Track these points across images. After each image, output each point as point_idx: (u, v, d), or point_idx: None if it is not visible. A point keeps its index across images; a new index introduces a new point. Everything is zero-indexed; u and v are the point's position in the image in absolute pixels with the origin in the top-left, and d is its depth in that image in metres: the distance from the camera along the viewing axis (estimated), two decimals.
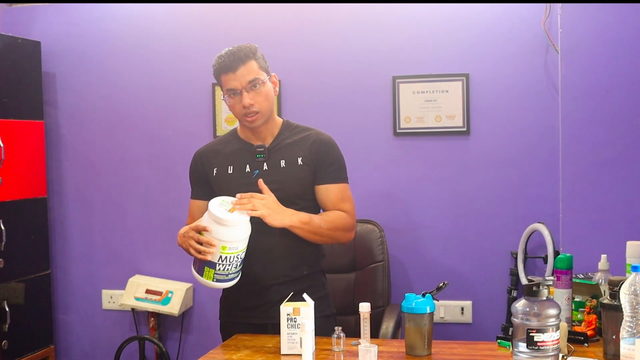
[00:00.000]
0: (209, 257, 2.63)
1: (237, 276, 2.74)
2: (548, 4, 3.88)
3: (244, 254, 2.69)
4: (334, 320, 2.96)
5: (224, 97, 2.88)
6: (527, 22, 3.95)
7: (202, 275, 2.68)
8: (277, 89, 2.94)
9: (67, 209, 4.63)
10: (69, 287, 4.66)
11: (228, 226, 2.61)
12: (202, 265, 2.66)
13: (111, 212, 4.58)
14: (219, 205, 2.67)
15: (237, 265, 2.68)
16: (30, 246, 4.37)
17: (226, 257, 2.63)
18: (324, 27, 4.22)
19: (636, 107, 3.42)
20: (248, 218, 2.66)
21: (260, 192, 2.82)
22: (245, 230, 2.66)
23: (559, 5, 3.55)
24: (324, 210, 2.98)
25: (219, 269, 2.64)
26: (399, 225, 4.15)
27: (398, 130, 4.14)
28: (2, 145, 4.09)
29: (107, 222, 4.59)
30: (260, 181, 2.76)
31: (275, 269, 2.83)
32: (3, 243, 4.09)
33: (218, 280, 2.68)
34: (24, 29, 4.51)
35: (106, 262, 4.61)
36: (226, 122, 4.32)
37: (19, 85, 4.28)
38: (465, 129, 4.06)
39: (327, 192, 2.90)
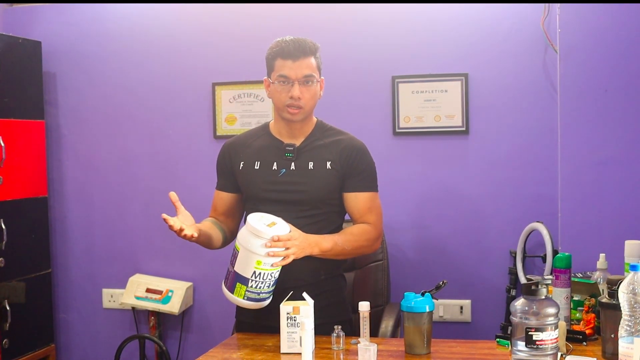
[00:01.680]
0: (240, 272, 2.59)
1: (269, 297, 2.69)
2: (547, 4, 3.89)
3: (278, 273, 2.64)
4: (349, 325, 2.90)
5: (271, 81, 2.82)
6: (525, 22, 3.96)
7: (232, 292, 2.62)
8: (322, 93, 2.90)
9: (67, 208, 4.65)
10: (69, 286, 4.68)
11: (266, 239, 2.57)
12: (234, 281, 2.61)
13: (111, 211, 4.59)
14: (259, 219, 2.64)
15: (269, 284, 2.63)
16: (31, 245, 4.38)
17: (260, 274, 2.58)
18: (323, 27, 4.22)
19: (634, 107, 3.42)
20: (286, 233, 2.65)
21: (286, 191, 2.82)
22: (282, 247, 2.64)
23: (557, 5, 3.56)
24: (350, 217, 2.95)
25: (251, 286, 2.59)
26: (398, 224, 4.16)
27: (397, 130, 4.15)
28: (3, 144, 4.10)
29: (107, 221, 4.60)
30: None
31: (293, 273, 2.75)
32: (4, 242, 4.10)
33: (249, 299, 2.62)
34: (24, 29, 4.52)
35: (107, 261, 4.62)
36: (226, 122, 4.33)
37: (20, 85, 4.29)
38: (464, 129, 4.07)
39: (356, 200, 2.88)
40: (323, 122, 2.97)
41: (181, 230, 2.67)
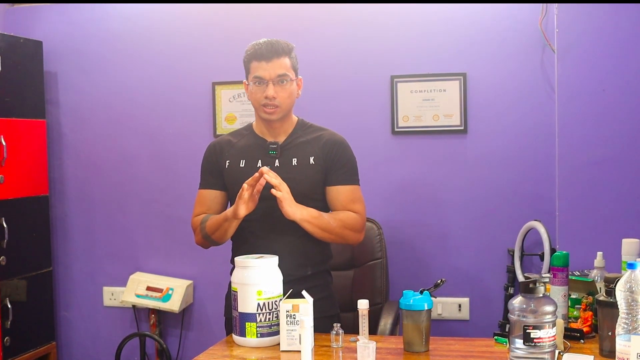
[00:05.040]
0: (245, 310, 2.59)
1: None
2: (544, 4, 3.91)
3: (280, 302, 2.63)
4: (337, 320, 2.93)
5: (248, 83, 2.90)
6: (523, 22, 3.98)
7: (245, 336, 2.59)
8: (300, 92, 2.97)
9: (68, 206, 4.66)
10: (70, 284, 4.69)
11: (257, 267, 2.60)
12: (243, 323, 2.59)
13: (112, 209, 4.61)
14: (245, 257, 2.66)
15: (277, 315, 2.60)
16: (32, 244, 4.40)
17: (265, 304, 2.58)
18: (322, 27, 4.24)
19: (632, 106, 3.43)
20: (276, 263, 2.65)
21: (268, 186, 2.83)
22: (276, 272, 2.64)
23: (555, 5, 3.57)
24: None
25: (260, 320, 2.58)
26: (397, 223, 4.18)
27: (396, 129, 4.17)
28: (4, 143, 4.12)
29: (108, 220, 4.62)
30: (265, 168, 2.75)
31: (280, 268, 2.77)
32: (5, 241, 4.12)
33: (262, 335, 2.58)
34: (26, 28, 4.54)
35: (107, 260, 4.64)
36: (226, 121, 4.35)
37: (21, 85, 4.31)
38: (462, 128, 4.09)
39: (338, 193, 2.94)
40: (304, 120, 3.05)
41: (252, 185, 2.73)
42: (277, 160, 2.91)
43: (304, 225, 2.81)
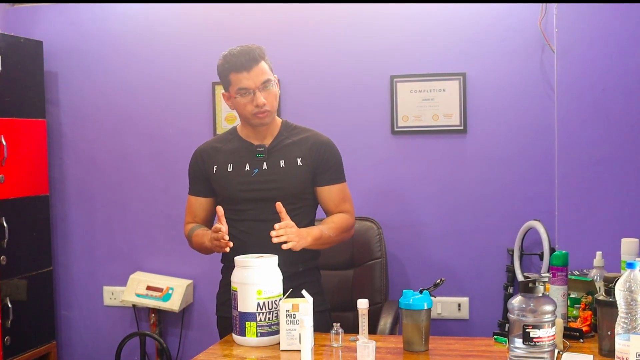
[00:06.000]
0: (245, 310, 2.60)
1: None
2: (544, 4, 3.91)
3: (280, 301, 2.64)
4: (328, 315, 3.02)
5: (231, 96, 2.89)
6: (523, 22, 3.99)
7: (245, 335, 2.60)
8: (279, 90, 2.98)
9: (68, 206, 4.67)
10: (70, 283, 4.70)
11: (257, 266, 2.61)
12: (242, 322, 2.60)
13: (112, 209, 4.61)
14: (245, 257, 2.67)
15: (277, 314, 2.60)
16: (33, 243, 4.41)
17: (264, 303, 2.58)
18: (322, 27, 4.25)
19: (631, 106, 3.43)
20: (276, 262, 2.67)
21: (261, 189, 2.90)
22: (275, 271, 2.65)
23: (554, 5, 3.57)
24: (324, 211, 3.05)
25: (260, 319, 2.58)
26: (396, 222, 4.18)
27: (396, 129, 4.17)
28: (4, 143, 4.12)
29: (108, 220, 4.63)
30: (279, 204, 2.77)
31: None
32: (6, 240, 4.12)
33: (262, 334, 2.59)
34: (26, 28, 4.54)
35: (107, 259, 4.64)
36: (226, 121, 4.35)
37: (22, 84, 4.31)
38: (462, 128, 4.09)
39: (330, 192, 2.99)
40: (288, 121, 3.07)
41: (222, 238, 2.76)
42: (264, 163, 2.94)
43: (310, 247, 2.86)
